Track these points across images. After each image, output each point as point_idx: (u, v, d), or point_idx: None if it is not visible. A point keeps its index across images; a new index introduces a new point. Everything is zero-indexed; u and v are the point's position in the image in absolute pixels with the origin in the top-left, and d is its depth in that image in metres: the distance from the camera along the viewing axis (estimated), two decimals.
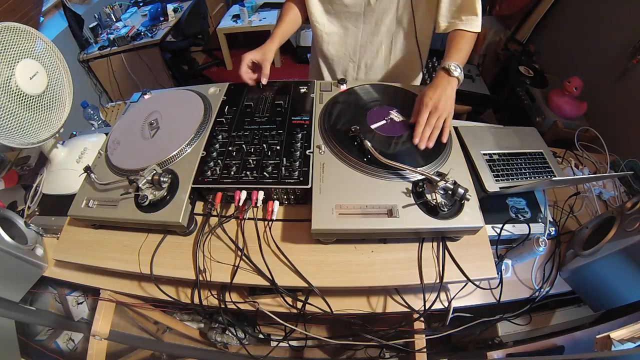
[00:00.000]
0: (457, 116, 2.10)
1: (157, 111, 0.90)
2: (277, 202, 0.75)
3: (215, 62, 3.59)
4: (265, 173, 0.73)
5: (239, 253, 0.72)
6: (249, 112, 0.88)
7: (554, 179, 0.82)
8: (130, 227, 0.78)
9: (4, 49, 0.69)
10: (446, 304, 0.75)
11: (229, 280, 0.70)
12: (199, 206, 0.79)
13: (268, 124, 0.84)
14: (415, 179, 0.70)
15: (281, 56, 3.52)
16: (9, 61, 0.70)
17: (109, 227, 0.81)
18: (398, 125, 0.81)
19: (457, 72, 0.80)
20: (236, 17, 3.25)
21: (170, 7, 2.98)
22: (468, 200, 0.65)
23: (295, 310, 0.74)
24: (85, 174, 0.79)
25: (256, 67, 0.96)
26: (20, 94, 0.72)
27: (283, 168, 0.74)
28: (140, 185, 0.68)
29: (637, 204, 0.74)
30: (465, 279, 0.68)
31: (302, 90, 0.94)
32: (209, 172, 0.74)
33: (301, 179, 0.71)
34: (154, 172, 0.71)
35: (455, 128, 0.88)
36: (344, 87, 0.94)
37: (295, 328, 0.76)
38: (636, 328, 0.55)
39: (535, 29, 2.38)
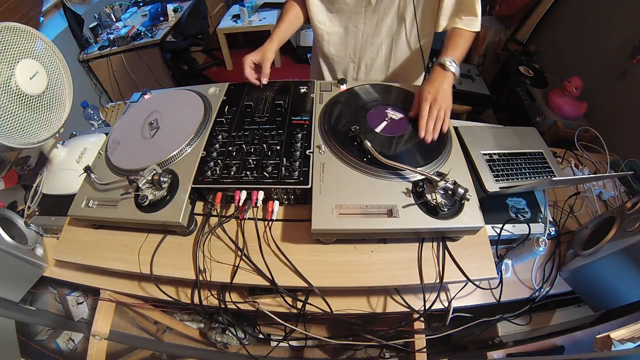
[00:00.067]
0: (457, 116, 2.12)
1: (157, 111, 0.90)
2: (277, 202, 0.75)
3: (215, 62, 3.59)
4: (265, 173, 0.73)
5: (239, 253, 0.72)
6: (249, 112, 0.88)
7: (554, 179, 0.82)
8: (130, 227, 0.78)
9: (4, 49, 0.69)
10: (446, 304, 0.75)
11: (229, 280, 0.70)
12: (199, 206, 0.79)
13: (268, 124, 0.84)
14: (415, 179, 0.70)
15: (281, 56, 3.52)
16: (9, 61, 0.70)
17: (109, 227, 0.81)
18: (398, 125, 0.81)
19: (453, 68, 0.81)
20: (236, 17, 3.25)
21: (170, 7, 2.98)
22: (468, 200, 0.65)
23: (295, 310, 0.74)
24: (85, 174, 0.79)
25: (257, 68, 0.96)
26: (20, 94, 0.72)
27: (283, 168, 0.74)
28: (140, 185, 0.68)
29: (637, 204, 0.74)
30: (465, 279, 0.68)
31: (302, 90, 0.94)
32: (209, 172, 0.74)
33: (301, 179, 0.71)
34: (154, 172, 0.71)
35: (455, 128, 0.88)
36: (344, 87, 0.94)
37: (295, 328, 0.76)
38: (636, 328, 0.55)
39: (535, 29, 2.38)
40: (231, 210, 0.78)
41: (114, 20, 2.97)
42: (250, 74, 0.94)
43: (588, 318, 0.88)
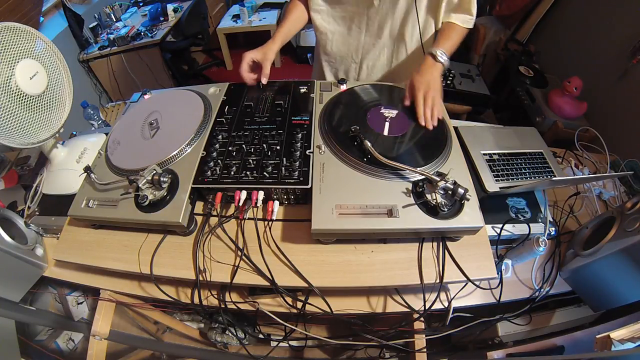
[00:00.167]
0: (457, 116, 2.12)
1: (157, 111, 0.90)
2: (277, 202, 0.75)
3: (215, 62, 3.59)
4: (265, 173, 0.73)
5: (239, 253, 0.72)
6: (249, 112, 0.88)
7: (554, 179, 0.82)
8: (130, 227, 0.78)
9: (4, 49, 0.69)
10: (446, 304, 0.75)
11: (229, 280, 0.70)
12: (199, 206, 0.79)
13: (268, 124, 0.84)
14: (415, 179, 0.70)
15: (281, 56, 3.52)
16: (9, 61, 0.70)
17: (109, 227, 0.81)
18: (398, 125, 0.81)
19: (443, 59, 0.86)
20: (236, 17, 3.24)
21: (170, 7, 2.98)
22: (468, 200, 0.65)
23: (295, 310, 0.74)
24: (85, 174, 0.79)
25: (256, 67, 0.96)
26: (20, 94, 0.72)
27: (283, 168, 0.74)
28: (140, 185, 0.68)
29: (637, 204, 0.74)
30: (465, 279, 0.68)
31: (302, 90, 0.94)
32: (209, 172, 0.74)
33: (301, 179, 0.71)
34: (154, 172, 0.71)
35: (455, 128, 0.88)
36: (344, 87, 0.94)
37: (295, 328, 0.76)
38: (636, 328, 0.55)
39: (535, 29, 2.38)
40: (231, 210, 0.78)
41: (114, 20, 2.97)
42: (245, 72, 0.93)
43: (588, 318, 0.88)
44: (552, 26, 2.29)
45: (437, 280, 0.69)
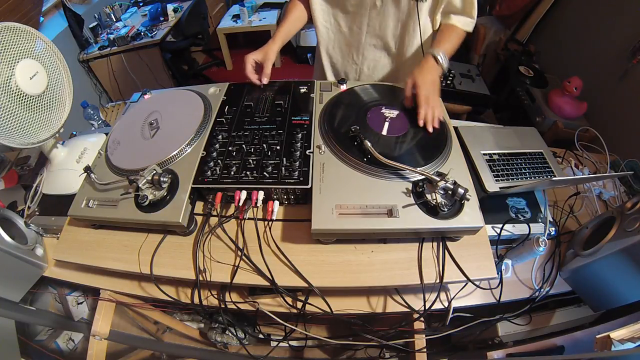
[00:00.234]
0: (457, 116, 2.12)
1: (157, 111, 0.90)
2: (277, 202, 0.75)
3: (215, 62, 3.59)
4: (265, 173, 0.73)
5: (239, 253, 0.72)
6: (249, 112, 0.88)
7: (554, 179, 0.82)
8: (130, 227, 0.78)
9: (4, 49, 0.69)
10: (446, 304, 0.75)
11: (229, 280, 0.70)
12: (199, 206, 0.79)
13: (268, 124, 0.84)
14: (415, 179, 0.70)
15: (281, 56, 3.52)
16: (9, 61, 0.70)
17: (109, 227, 0.81)
18: (398, 125, 0.81)
19: (443, 61, 0.85)
20: (236, 17, 3.24)
21: (170, 7, 2.98)
22: (468, 200, 0.65)
23: (295, 310, 0.74)
24: (85, 174, 0.79)
25: (258, 67, 0.96)
26: (20, 94, 0.72)
27: (283, 168, 0.74)
28: (140, 185, 0.68)
29: (637, 204, 0.74)
30: (465, 279, 0.68)
31: (302, 90, 0.94)
32: (209, 172, 0.74)
33: (301, 179, 0.71)
34: (154, 172, 0.71)
35: (455, 128, 0.88)
36: (344, 87, 0.94)
37: (295, 328, 0.76)
38: (636, 328, 0.55)
39: (535, 29, 2.38)
40: (231, 210, 0.78)
41: (114, 20, 2.97)
42: (251, 73, 0.94)
43: (588, 318, 0.88)
44: (552, 26, 2.29)
45: (437, 280, 0.69)
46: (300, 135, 0.80)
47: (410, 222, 0.65)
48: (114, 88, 2.87)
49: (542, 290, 0.81)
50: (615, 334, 0.53)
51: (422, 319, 0.77)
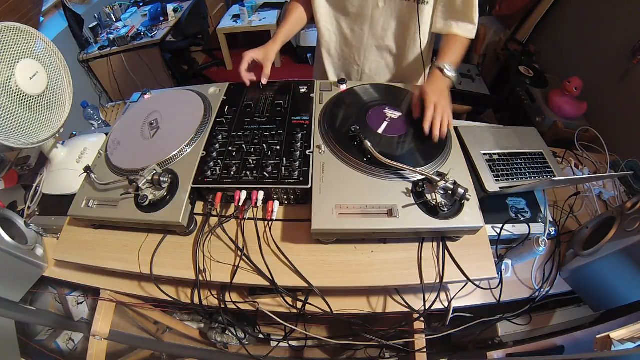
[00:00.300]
0: (457, 116, 2.11)
1: (157, 111, 0.90)
2: (277, 202, 0.75)
3: (215, 62, 3.59)
4: (265, 173, 0.73)
5: (239, 253, 0.72)
6: (249, 112, 0.88)
7: (554, 179, 0.82)
8: (130, 227, 0.78)
9: (4, 49, 0.69)
10: (446, 304, 0.76)
11: (229, 280, 0.70)
12: (199, 206, 0.79)
13: (268, 124, 0.84)
14: (415, 179, 0.70)
15: (281, 56, 3.52)
16: (9, 61, 0.70)
17: (109, 227, 0.81)
18: (398, 125, 0.81)
19: (451, 74, 0.84)
20: (236, 17, 3.24)
21: (170, 7, 2.98)
22: (468, 200, 0.65)
23: (295, 310, 0.74)
24: (85, 174, 0.79)
25: (256, 67, 0.95)
26: (20, 94, 0.72)
27: (283, 168, 0.74)
28: (140, 185, 0.68)
29: (637, 204, 0.74)
30: (465, 279, 0.68)
31: (302, 90, 0.94)
32: (209, 172, 0.74)
33: (301, 179, 0.71)
34: (154, 172, 0.71)
35: (455, 128, 0.88)
36: (344, 87, 0.94)
37: (295, 328, 0.76)
38: (636, 328, 0.55)
39: (535, 29, 2.38)
40: (231, 210, 0.78)
41: (114, 20, 2.97)
42: (244, 70, 0.93)
43: (588, 318, 0.88)
44: (552, 26, 2.29)
45: (437, 280, 0.69)
46: (300, 135, 0.80)
47: (410, 222, 0.65)
48: (114, 88, 2.87)
49: (542, 290, 0.81)
50: (615, 334, 0.53)
51: (422, 319, 0.77)
